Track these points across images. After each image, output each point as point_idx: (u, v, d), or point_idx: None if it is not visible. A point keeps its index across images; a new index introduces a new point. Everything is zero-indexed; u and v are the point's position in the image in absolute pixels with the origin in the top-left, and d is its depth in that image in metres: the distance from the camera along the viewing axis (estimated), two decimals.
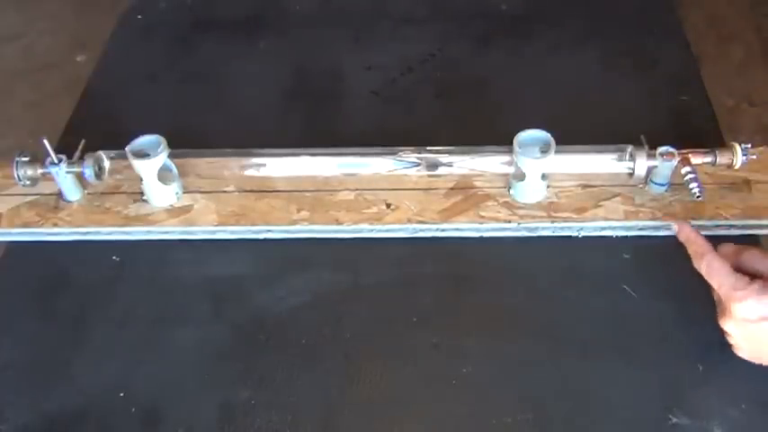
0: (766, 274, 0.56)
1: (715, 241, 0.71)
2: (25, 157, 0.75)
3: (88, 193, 0.78)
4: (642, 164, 0.72)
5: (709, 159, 0.73)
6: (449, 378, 0.63)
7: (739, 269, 0.57)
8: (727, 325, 0.57)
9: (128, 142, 0.73)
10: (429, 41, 0.98)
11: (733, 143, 0.72)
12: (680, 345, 0.63)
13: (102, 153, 0.76)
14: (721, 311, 0.58)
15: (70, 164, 0.74)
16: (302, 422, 0.61)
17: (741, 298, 0.55)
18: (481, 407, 0.61)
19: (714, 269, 0.57)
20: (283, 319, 0.68)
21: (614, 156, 0.74)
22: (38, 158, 0.75)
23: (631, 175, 0.73)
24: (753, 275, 0.56)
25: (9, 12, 2.24)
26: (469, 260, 0.72)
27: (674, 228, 0.64)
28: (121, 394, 0.63)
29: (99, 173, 0.75)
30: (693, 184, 0.70)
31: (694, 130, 0.83)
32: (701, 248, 0.59)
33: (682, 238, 0.62)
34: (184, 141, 0.76)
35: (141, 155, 0.73)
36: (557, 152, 0.70)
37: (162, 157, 0.73)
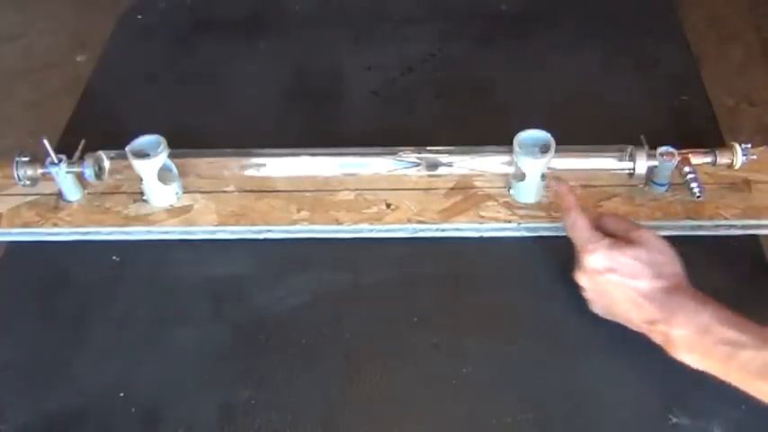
0: (619, 235, 0.62)
1: (716, 241, 0.72)
2: (25, 157, 0.75)
3: (88, 193, 0.78)
4: (642, 164, 0.72)
5: (709, 159, 0.73)
6: (449, 378, 0.63)
7: (599, 230, 0.63)
8: (580, 278, 0.63)
9: (128, 142, 0.73)
10: (429, 41, 0.98)
11: (733, 143, 0.72)
12: None
13: (102, 153, 0.76)
14: (577, 265, 0.63)
15: (70, 164, 0.74)
16: (302, 422, 0.61)
17: (592, 250, 0.61)
18: (481, 407, 0.61)
19: (576, 224, 0.63)
20: (283, 319, 0.68)
21: (614, 156, 0.74)
22: (38, 158, 0.75)
23: (631, 175, 0.73)
24: (610, 236, 0.62)
25: (9, 12, 2.24)
26: (469, 260, 0.72)
27: (552, 184, 0.71)
28: (121, 394, 0.63)
29: (99, 173, 0.75)
30: (693, 184, 0.70)
31: (694, 130, 0.83)
32: (569, 205, 0.65)
33: (560, 192, 0.68)
34: (184, 141, 0.76)
35: (141, 155, 0.73)
36: (557, 152, 0.70)
37: (162, 157, 0.73)
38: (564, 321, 0.66)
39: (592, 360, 0.64)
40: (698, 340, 0.55)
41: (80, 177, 0.76)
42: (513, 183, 0.75)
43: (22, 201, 0.78)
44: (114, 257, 0.74)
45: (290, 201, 0.76)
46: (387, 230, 0.74)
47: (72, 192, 0.77)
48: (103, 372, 0.65)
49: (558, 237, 0.73)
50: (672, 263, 0.60)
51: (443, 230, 0.74)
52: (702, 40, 1.92)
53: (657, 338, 0.58)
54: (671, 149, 0.71)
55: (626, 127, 0.76)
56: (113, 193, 0.78)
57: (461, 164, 0.76)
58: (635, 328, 0.60)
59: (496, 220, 0.74)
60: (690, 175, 0.71)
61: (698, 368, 0.56)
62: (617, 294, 0.60)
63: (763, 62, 1.93)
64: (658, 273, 0.59)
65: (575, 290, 0.67)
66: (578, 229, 0.63)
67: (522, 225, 0.73)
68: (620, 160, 0.73)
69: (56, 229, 0.76)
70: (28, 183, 0.76)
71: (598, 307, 0.63)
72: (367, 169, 0.77)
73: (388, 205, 0.76)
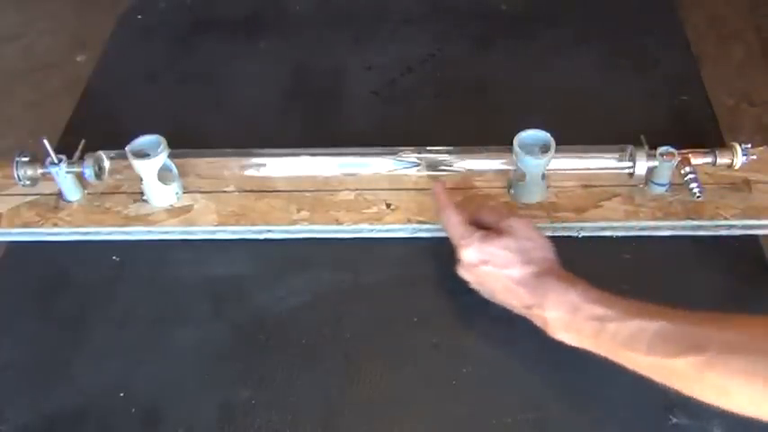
0: (493, 227, 0.64)
1: (716, 241, 0.72)
2: (25, 157, 0.75)
3: (88, 193, 0.78)
4: (642, 164, 0.72)
5: (709, 159, 0.73)
6: (449, 378, 0.63)
7: (475, 224, 0.65)
8: (459, 271, 0.65)
9: (128, 142, 0.73)
10: (429, 41, 0.98)
11: (733, 143, 0.72)
12: None
13: (102, 153, 0.76)
14: (458, 260, 0.64)
15: (70, 164, 0.74)
16: (302, 422, 0.61)
17: (465, 245, 0.63)
18: (481, 407, 0.61)
19: (450, 222, 0.65)
20: (283, 319, 0.68)
21: (614, 156, 0.74)
22: (38, 158, 0.75)
23: (631, 175, 0.73)
24: (486, 229, 0.64)
25: (9, 12, 2.24)
26: None
27: (433, 185, 0.71)
28: (121, 394, 0.63)
29: (99, 173, 0.75)
30: (693, 184, 0.70)
31: (694, 130, 0.83)
32: (443, 204, 0.67)
33: (434, 192, 0.69)
34: (184, 141, 0.76)
35: (141, 155, 0.73)
36: (557, 152, 0.70)
37: (162, 157, 0.73)
38: None
39: (592, 360, 0.63)
40: (570, 319, 0.57)
41: (80, 177, 0.76)
42: (513, 183, 0.75)
43: (22, 201, 0.78)
44: (114, 257, 0.74)
45: (290, 201, 0.76)
46: (387, 230, 0.74)
47: (72, 192, 0.77)
48: (103, 372, 0.65)
49: (558, 237, 0.73)
50: (541, 248, 0.62)
51: (443, 230, 0.74)
52: (702, 40, 1.92)
53: (537, 322, 0.60)
54: (671, 149, 0.71)
55: (626, 127, 0.76)
56: (113, 193, 0.78)
57: (461, 164, 0.76)
58: (518, 313, 0.62)
59: None
60: (690, 175, 0.71)
61: (575, 346, 0.58)
62: (495, 284, 0.62)
63: (763, 62, 1.93)
64: (528, 259, 0.61)
65: None
66: (452, 226, 0.65)
67: None
68: (620, 160, 0.73)
69: (56, 229, 0.76)
70: (28, 183, 0.76)
71: (485, 294, 0.65)
72: (367, 169, 0.77)
73: (388, 205, 0.76)
